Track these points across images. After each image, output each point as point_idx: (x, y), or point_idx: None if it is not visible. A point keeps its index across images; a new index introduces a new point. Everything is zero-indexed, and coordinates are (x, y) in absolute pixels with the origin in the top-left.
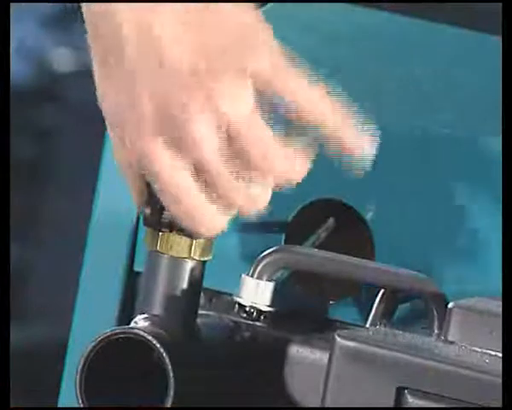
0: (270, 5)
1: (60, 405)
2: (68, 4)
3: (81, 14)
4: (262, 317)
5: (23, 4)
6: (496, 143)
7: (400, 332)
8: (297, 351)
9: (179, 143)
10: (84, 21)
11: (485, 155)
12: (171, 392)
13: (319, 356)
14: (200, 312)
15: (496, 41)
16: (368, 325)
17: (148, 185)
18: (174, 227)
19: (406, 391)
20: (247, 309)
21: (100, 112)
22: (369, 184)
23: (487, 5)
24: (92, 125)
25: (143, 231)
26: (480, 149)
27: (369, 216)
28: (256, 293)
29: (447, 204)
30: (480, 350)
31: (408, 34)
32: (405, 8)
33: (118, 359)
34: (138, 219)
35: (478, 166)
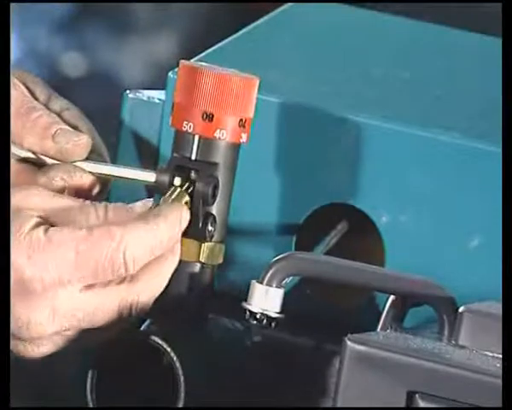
0: (288, 5)
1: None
2: (78, 8)
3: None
4: (272, 324)
5: (34, 8)
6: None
7: (411, 336)
8: (308, 355)
9: None
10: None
11: (491, 158)
12: (182, 395)
13: (329, 360)
14: (211, 316)
15: (498, 42)
16: (378, 330)
17: (156, 192)
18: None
19: (417, 395)
20: (258, 316)
21: (110, 116)
22: (380, 188)
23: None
24: (103, 129)
25: None
26: (485, 151)
27: (383, 219)
28: (266, 300)
29: (457, 209)
30: (490, 354)
31: (413, 37)
32: (410, 10)
33: (128, 361)
34: None
35: (488, 171)
